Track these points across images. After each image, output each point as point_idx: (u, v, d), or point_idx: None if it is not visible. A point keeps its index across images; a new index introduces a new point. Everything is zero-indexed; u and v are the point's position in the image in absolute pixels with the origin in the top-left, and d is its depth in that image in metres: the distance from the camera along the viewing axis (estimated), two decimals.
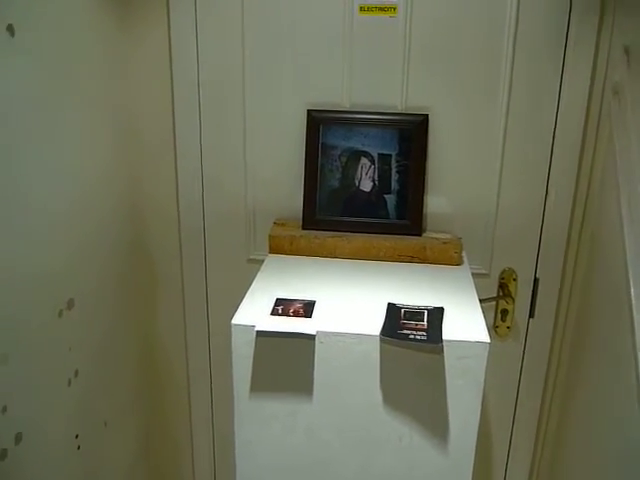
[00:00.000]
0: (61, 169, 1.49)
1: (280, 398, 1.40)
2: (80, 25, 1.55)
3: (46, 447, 1.49)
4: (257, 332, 1.35)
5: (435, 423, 1.36)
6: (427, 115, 1.71)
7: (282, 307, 1.41)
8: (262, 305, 1.42)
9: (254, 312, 1.39)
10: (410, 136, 1.70)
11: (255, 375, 1.39)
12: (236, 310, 1.40)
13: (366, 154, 1.72)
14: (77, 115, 1.55)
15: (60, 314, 1.51)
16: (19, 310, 1.36)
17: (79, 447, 1.64)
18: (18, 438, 1.37)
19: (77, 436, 1.62)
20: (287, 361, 1.37)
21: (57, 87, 1.46)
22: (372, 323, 1.36)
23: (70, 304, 1.55)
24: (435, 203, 1.81)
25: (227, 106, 1.80)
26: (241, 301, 1.44)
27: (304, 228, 1.75)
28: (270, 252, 1.73)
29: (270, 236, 1.73)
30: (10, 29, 1.28)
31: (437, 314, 1.38)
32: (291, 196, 1.82)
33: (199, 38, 1.75)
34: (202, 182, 1.87)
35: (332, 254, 1.71)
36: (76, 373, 1.59)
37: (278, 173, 1.84)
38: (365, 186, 1.73)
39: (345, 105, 1.75)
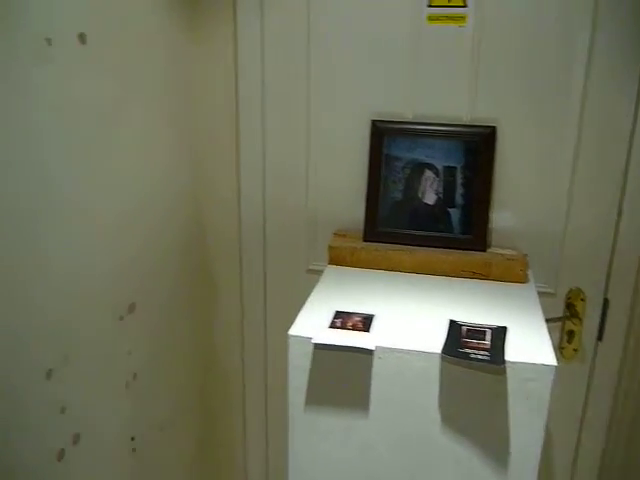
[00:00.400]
0: (124, 174, 1.51)
1: (335, 412, 1.37)
2: (148, 28, 1.57)
3: (102, 448, 1.51)
4: (314, 345, 1.33)
5: (495, 448, 1.31)
6: (494, 127, 1.66)
7: (341, 320, 1.38)
8: (320, 317, 1.40)
9: (312, 324, 1.38)
10: (477, 148, 1.66)
11: (311, 388, 1.37)
12: (294, 320, 1.38)
13: (430, 166, 1.68)
14: (142, 119, 1.57)
15: (121, 318, 1.53)
16: (82, 313, 1.38)
17: (134, 449, 1.65)
18: (76, 439, 1.39)
19: (133, 438, 1.64)
20: (344, 375, 1.34)
21: (124, 92, 1.48)
22: (432, 340, 1.32)
23: (131, 308, 1.56)
24: (500, 218, 1.75)
25: (290, 113, 1.80)
26: (299, 312, 1.43)
27: (365, 240, 1.73)
28: (330, 263, 1.71)
29: (330, 247, 1.71)
30: (82, 37, 1.31)
31: (500, 333, 1.33)
32: (352, 207, 1.80)
33: (265, 43, 1.75)
34: (264, 189, 1.86)
35: (393, 267, 1.67)
36: (134, 376, 1.61)
37: (340, 183, 1.82)
38: (429, 199, 1.70)
39: (408, 116, 1.72)
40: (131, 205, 1.55)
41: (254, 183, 1.86)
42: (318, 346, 1.33)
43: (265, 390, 2.07)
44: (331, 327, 1.36)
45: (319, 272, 1.71)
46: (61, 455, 1.35)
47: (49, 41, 1.21)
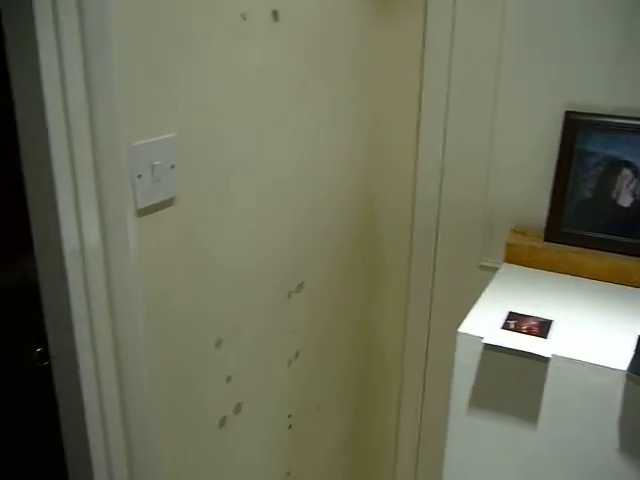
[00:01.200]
0: (305, 156, 1.52)
1: (500, 418, 1.29)
2: (338, 9, 1.56)
3: (261, 421, 1.54)
4: (485, 345, 1.26)
5: None
6: None
7: (515, 322, 1.30)
8: (492, 316, 1.33)
9: (483, 323, 1.30)
10: None
11: (475, 389, 1.30)
12: (462, 317, 1.32)
13: (629, 165, 1.52)
14: (325, 101, 1.57)
15: (289, 295, 1.54)
16: (255, 286, 1.41)
17: (290, 426, 1.67)
18: (237, 408, 1.43)
19: (290, 415, 1.66)
20: (513, 380, 1.26)
21: (311, 72, 1.48)
22: (616, 355, 1.20)
23: (299, 287, 1.57)
24: None
25: (476, 103, 1.71)
26: (468, 309, 1.36)
27: (546, 240, 1.61)
28: (505, 261, 1.61)
29: (508, 244, 1.61)
30: (275, 14, 1.32)
31: None
32: (534, 203, 1.69)
33: (455, 32, 1.68)
34: (441, 179, 1.80)
35: (574, 271, 1.55)
36: (296, 354, 1.63)
37: (522, 177, 1.71)
38: (624, 201, 1.54)
39: (608, 108, 1.57)
40: (309, 185, 1.55)
41: (431, 173, 1.80)
42: (488, 347, 1.25)
43: (423, 384, 2.02)
44: (504, 328, 1.28)
45: (492, 269, 1.63)
46: (223, 422, 1.39)
47: (244, 16, 1.23)
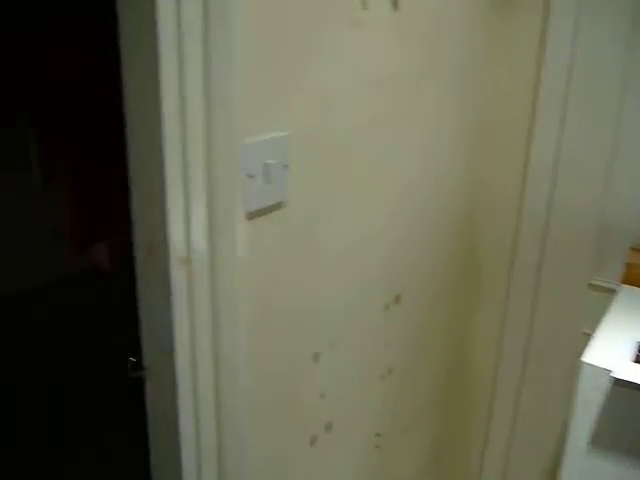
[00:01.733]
0: (413, 160, 1.41)
1: (625, 461, 1.16)
2: (457, 1, 1.44)
3: (350, 441, 1.44)
4: (614, 380, 1.12)
5: None
6: None
7: None
8: (619, 347, 1.19)
9: (609, 354, 1.17)
10: None
11: (599, 427, 1.17)
12: (566, 340, 1.19)
13: None
14: (435, 96, 1.45)
15: (387, 308, 1.43)
16: (357, 296, 1.31)
17: (378, 446, 1.57)
18: (329, 426, 1.33)
19: (378, 434, 1.55)
20: None
21: (425, 66, 1.37)
22: None
23: (397, 299, 1.47)
24: None
25: (597, 107, 1.56)
26: (574, 332, 1.22)
27: None
28: (624, 282, 1.47)
29: (628, 264, 1.47)
30: (395, 3, 1.21)
31: None
32: None
33: (580, 28, 1.54)
34: (552, 187, 1.66)
35: None
36: (389, 370, 1.52)
37: None
38: None
39: None
40: (414, 192, 1.44)
41: (541, 181, 1.66)
42: (620, 382, 1.12)
43: (514, 410, 1.88)
44: (636, 362, 1.14)
45: (604, 290, 1.49)
46: (314, 441, 1.29)
47: (365, 4, 1.13)
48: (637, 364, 1.14)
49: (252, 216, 0.97)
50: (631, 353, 1.17)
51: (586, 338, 1.29)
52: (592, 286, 1.65)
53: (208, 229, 0.91)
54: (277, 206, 1.02)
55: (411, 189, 1.43)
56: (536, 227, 1.70)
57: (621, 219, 1.59)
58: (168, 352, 0.94)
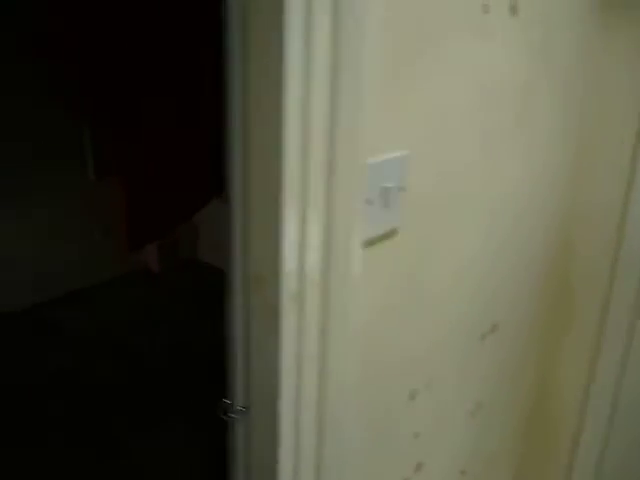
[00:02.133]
0: (515, 182, 1.28)
1: None
2: (571, 8, 1.31)
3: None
4: None
5: None
6: None
7: None
8: None
9: None
10: None
11: None
12: None
13: None
14: (543, 108, 1.32)
15: (483, 338, 1.32)
16: (452, 328, 1.19)
17: None
18: (418, 467, 1.22)
19: (463, 472, 1.44)
20: None
21: (536, 75, 1.25)
22: None
23: (494, 328, 1.35)
24: None
25: None
26: None
27: None
28: None
29: None
30: (513, 9, 1.10)
31: None
32: None
33: None
34: None
35: None
36: (479, 405, 1.40)
37: None
38: None
39: None
40: (504, 210, 1.31)
41: None
42: None
43: (602, 449, 1.74)
44: None
45: None
46: None
47: (486, 8, 1.02)
48: None
49: (367, 245, 0.87)
50: None
51: None
52: None
53: (323, 261, 0.80)
54: (391, 234, 0.91)
55: (506, 208, 1.31)
56: (635, 255, 1.56)
57: None
58: (270, 394, 0.84)
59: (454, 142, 1.02)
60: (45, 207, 2.97)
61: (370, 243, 0.87)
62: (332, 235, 0.80)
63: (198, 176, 2.95)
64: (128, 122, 2.71)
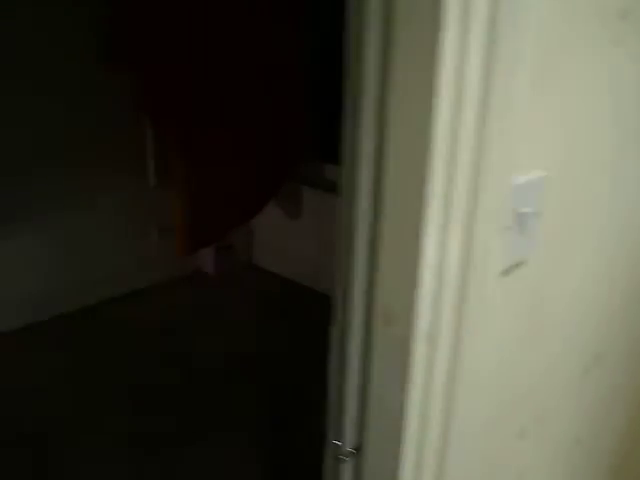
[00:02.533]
0: (631, 206, 1.18)
1: None
2: None
3: None
4: None
5: None
6: None
7: None
8: None
9: None
10: None
11: None
12: None
13: None
14: None
15: (587, 371, 1.22)
16: (557, 362, 1.10)
17: None
18: None
19: None
20: None
21: None
22: None
23: (597, 359, 1.25)
24: None
25: None
26: None
27: None
28: None
29: None
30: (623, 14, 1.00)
31: None
32: None
33: None
34: None
35: None
36: (578, 441, 1.30)
37: None
38: None
39: None
40: (628, 242, 1.21)
41: None
42: None
43: None
44: None
45: None
46: None
47: (624, 14, 0.92)
48: None
49: (502, 276, 0.78)
50: None
51: None
52: None
53: (459, 294, 0.72)
54: (523, 263, 0.83)
55: (627, 239, 1.21)
56: None
57: None
58: (391, 434, 0.77)
59: (587, 165, 0.93)
60: (104, 210, 2.95)
61: (504, 274, 0.79)
62: (470, 264, 0.72)
63: (256, 181, 2.90)
64: (191, 126, 2.66)
